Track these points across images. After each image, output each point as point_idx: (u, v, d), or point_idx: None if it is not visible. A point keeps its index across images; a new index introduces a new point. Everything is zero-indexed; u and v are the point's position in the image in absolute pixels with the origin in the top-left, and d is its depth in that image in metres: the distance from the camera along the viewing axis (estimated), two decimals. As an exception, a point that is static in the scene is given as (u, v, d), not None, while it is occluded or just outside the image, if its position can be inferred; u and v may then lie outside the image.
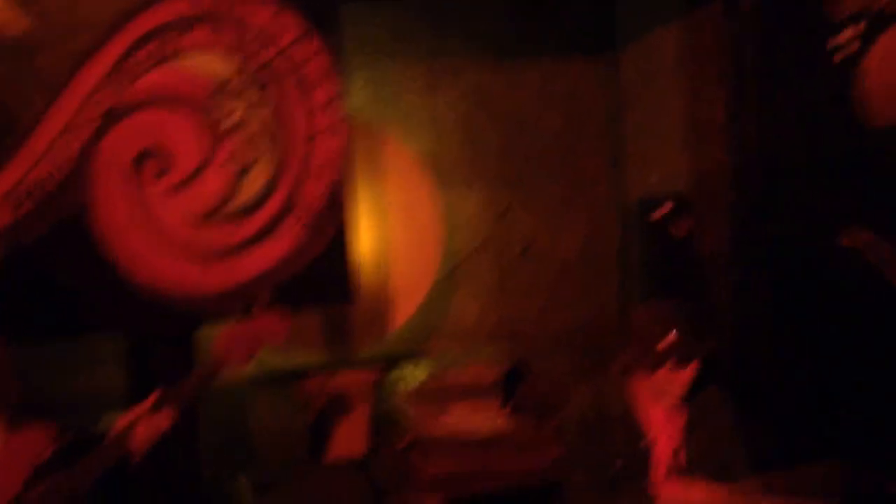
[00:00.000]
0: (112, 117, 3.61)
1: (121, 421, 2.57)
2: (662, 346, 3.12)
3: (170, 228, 3.64)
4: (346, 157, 3.92)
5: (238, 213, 3.73)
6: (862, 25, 3.23)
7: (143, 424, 2.57)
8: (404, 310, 4.48)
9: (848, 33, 3.27)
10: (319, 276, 3.83)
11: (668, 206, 4.27)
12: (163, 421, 2.61)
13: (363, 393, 4.30)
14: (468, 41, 4.76)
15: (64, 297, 3.60)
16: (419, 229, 4.52)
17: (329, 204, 3.86)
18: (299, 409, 4.29)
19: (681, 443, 3.25)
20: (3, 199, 3.54)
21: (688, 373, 3.15)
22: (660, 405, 3.26)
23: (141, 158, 3.66)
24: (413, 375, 4.36)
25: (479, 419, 4.25)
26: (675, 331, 3.12)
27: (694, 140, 4.39)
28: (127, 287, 3.64)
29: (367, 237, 4.40)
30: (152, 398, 2.60)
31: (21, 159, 3.54)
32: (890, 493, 2.68)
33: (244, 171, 3.75)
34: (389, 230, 4.45)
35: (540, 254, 4.88)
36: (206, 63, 3.69)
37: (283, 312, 2.73)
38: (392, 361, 4.50)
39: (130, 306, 3.64)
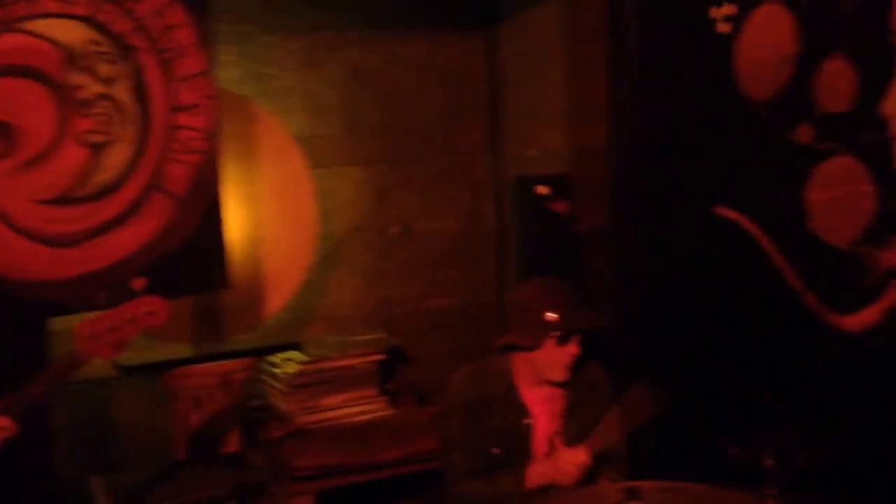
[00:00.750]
0: (-48, 89, 3.33)
1: None
2: (542, 323, 3.06)
3: (18, 210, 3.35)
4: (215, 135, 3.71)
5: (96, 194, 3.47)
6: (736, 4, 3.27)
7: None
8: (278, 296, 4.31)
9: (725, 9, 3.29)
10: (190, 260, 3.62)
11: (545, 187, 4.28)
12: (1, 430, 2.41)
13: (235, 384, 4.13)
14: (347, 16, 4.61)
15: None
16: (293, 211, 4.34)
17: (197, 183, 3.63)
18: (166, 404, 4.09)
19: (562, 423, 3.22)
20: None
21: (569, 351, 3.11)
22: (541, 385, 3.21)
23: (-15, 134, 3.38)
24: (288, 364, 4.16)
25: (356, 408, 4.14)
26: (555, 308, 3.09)
27: (574, 118, 4.37)
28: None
29: (237, 220, 4.20)
30: None
31: None
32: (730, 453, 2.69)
33: (102, 149, 3.49)
34: (262, 212, 4.26)
35: (419, 234, 4.82)
36: (59, 31, 3.40)
37: (156, 299, 2.60)
38: (266, 350, 4.32)
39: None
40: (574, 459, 3.04)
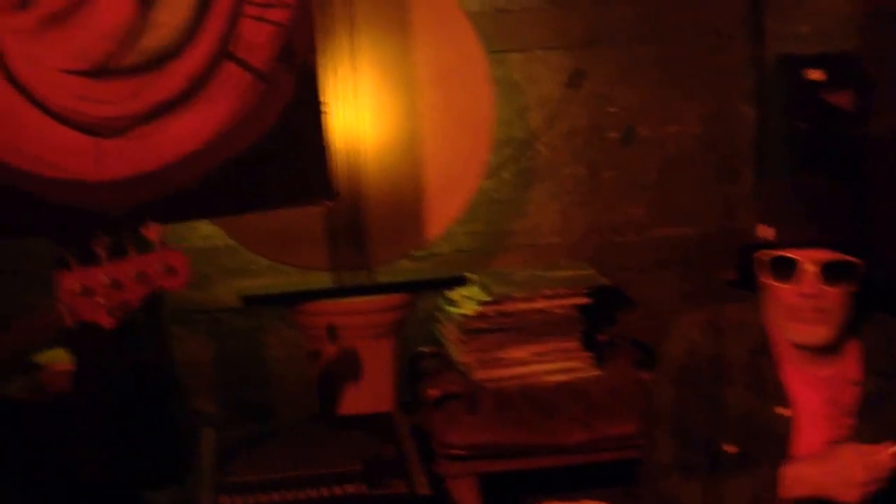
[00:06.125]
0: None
1: None
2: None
3: (43, 83, 2.62)
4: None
5: (146, 63, 2.69)
6: None
7: None
8: (443, 213, 3.57)
9: None
10: (276, 160, 2.86)
11: (820, 71, 3.63)
12: None
13: (386, 326, 3.49)
14: None
15: None
16: (462, 104, 3.50)
17: (284, 51, 2.81)
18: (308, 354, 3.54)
19: (853, 427, 2.21)
20: None
21: (803, 290, 2.10)
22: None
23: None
24: (467, 304, 3.49)
25: (547, 364, 3.45)
26: (780, 219, 2.12)
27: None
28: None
29: (382, 111, 3.45)
30: None
31: None
32: None
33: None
34: (418, 104, 3.47)
35: (645, 140, 4.03)
36: None
37: (177, 254, 2.03)
38: (431, 285, 3.66)
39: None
40: (881, 454, 2.07)
